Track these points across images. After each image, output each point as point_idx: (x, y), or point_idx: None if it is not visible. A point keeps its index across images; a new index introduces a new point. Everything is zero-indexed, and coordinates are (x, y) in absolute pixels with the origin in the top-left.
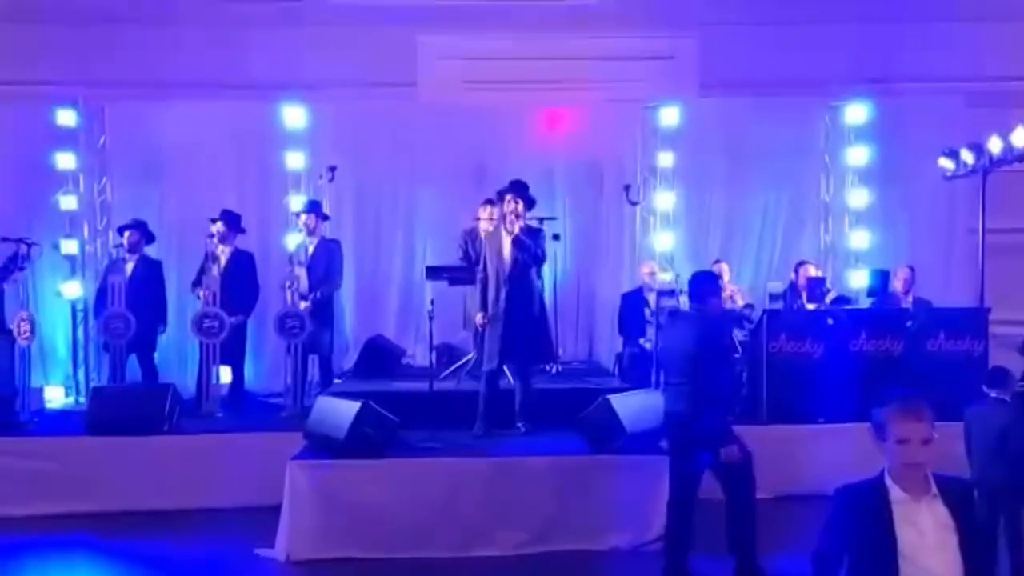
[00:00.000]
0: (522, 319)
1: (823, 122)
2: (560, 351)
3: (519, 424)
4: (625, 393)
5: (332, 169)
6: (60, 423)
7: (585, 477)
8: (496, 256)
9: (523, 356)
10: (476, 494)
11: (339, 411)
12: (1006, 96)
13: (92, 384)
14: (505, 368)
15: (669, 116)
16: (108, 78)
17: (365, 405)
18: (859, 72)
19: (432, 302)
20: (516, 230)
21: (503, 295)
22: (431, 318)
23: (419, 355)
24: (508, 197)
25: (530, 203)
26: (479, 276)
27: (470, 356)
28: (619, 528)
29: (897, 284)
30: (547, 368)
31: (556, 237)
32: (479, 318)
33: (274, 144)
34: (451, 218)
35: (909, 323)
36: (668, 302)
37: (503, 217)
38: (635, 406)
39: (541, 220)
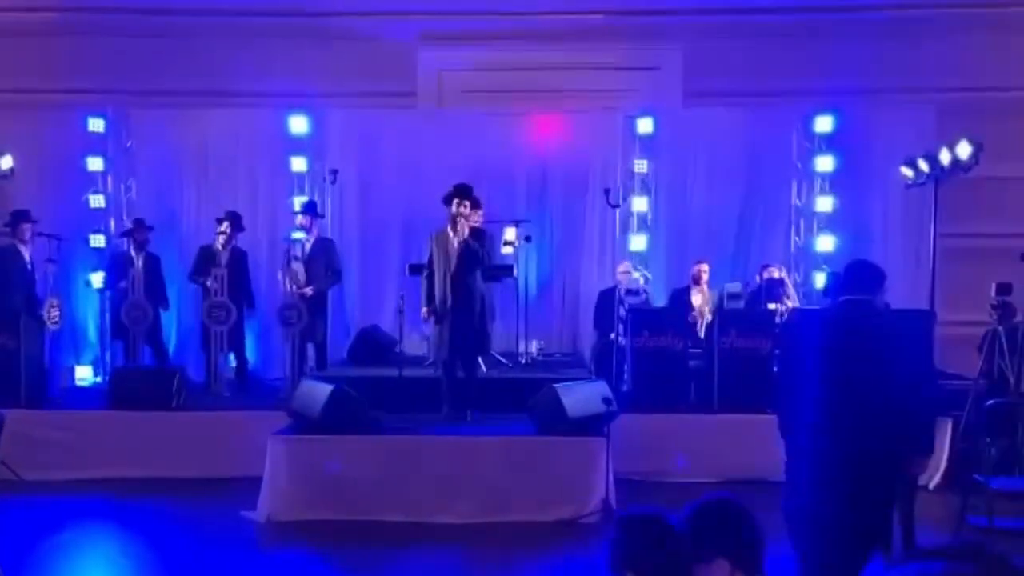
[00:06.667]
0: (466, 316)
1: (795, 131)
2: (542, 344)
3: (468, 412)
4: (571, 383)
5: (334, 172)
6: (85, 399)
7: (531, 456)
8: (444, 256)
9: (467, 349)
10: (433, 467)
11: (316, 392)
12: (974, 106)
13: (112, 366)
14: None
15: (649, 124)
16: (134, 88)
17: (337, 388)
18: (831, 84)
19: (402, 297)
20: (465, 233)
21: (449, 292)
22: (400, 312)
23: (412, 345)
24: (456, 200)
25: (475, 204)
26: (425, 272)
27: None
28: (561, 502)
29: None
30: (519, 358)
31: (528, 239)
32: (424, 312)
33: (283, 149)
34: (445, 219)
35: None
36: (634, 299)
37: (452, 219)
38: (579, 395)
39: (517, 223)
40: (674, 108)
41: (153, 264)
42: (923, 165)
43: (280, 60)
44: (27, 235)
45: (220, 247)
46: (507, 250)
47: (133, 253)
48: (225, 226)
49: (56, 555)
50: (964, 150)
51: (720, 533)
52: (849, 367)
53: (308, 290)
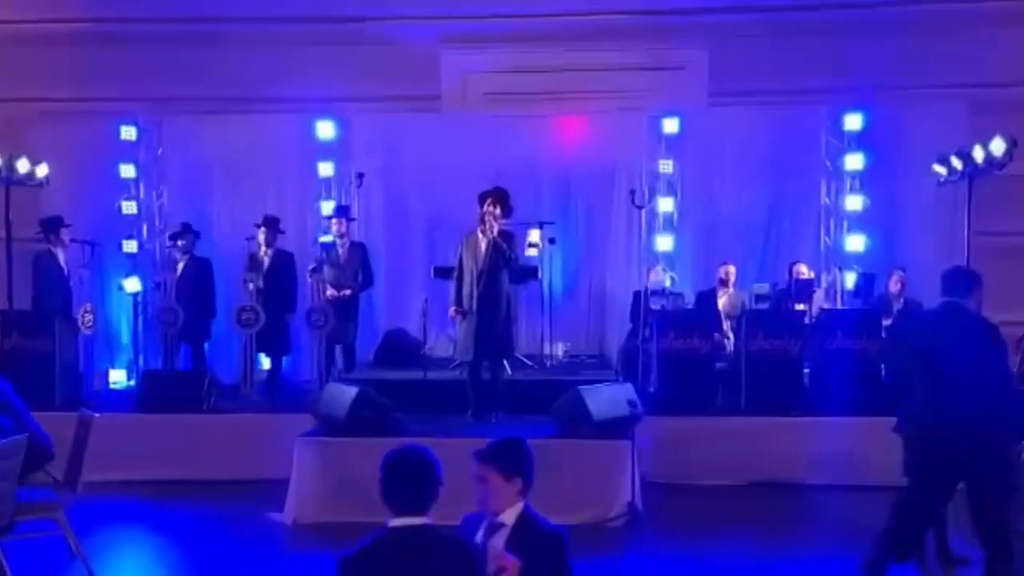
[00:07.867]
0: (492, 317)
1: (825, 129)
2: (568, 346)
3: (493, 415)
4: (596, 385)
5: (360, 176)
6: (117, 401)
7: (556, 459)
8: (472, 256)
9: (493, 351)
10: (458, 470)
11: (341, 395)
12: (1007, 101)
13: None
14: None
15: (674, 124)
16: (164, 96)
17: (362, 390)
18: (860, 81)
19: (427, 300)
20: (493, 232)
21: (476, 293)
22: (425, 314)
23: (438, 347)
24: (488, 200)
25: (509, 210)
26: (455, 273)
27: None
28: (586, 505)
29: (893, 287)
30: (545, 361)
31: (552, 241)
32: (452, 311)
33: (310, 154)
34: (472, 222)
35: (887, 322)
36: (658, 300)
37: (482, 219)
38: (604, 397)
39: (541, 224)
40: (700, 108)
41: (201, 268)
42: (956, 162)
43: (306, 66)
44: (65, 239)
45: (261, 252)
46: (531, 252)
47: (178, 256)
48: (262, 231)
49: (86, 557)
50: (998, 147)
51: (518, 459)
52: (944, 363)
53: (347, 292)
